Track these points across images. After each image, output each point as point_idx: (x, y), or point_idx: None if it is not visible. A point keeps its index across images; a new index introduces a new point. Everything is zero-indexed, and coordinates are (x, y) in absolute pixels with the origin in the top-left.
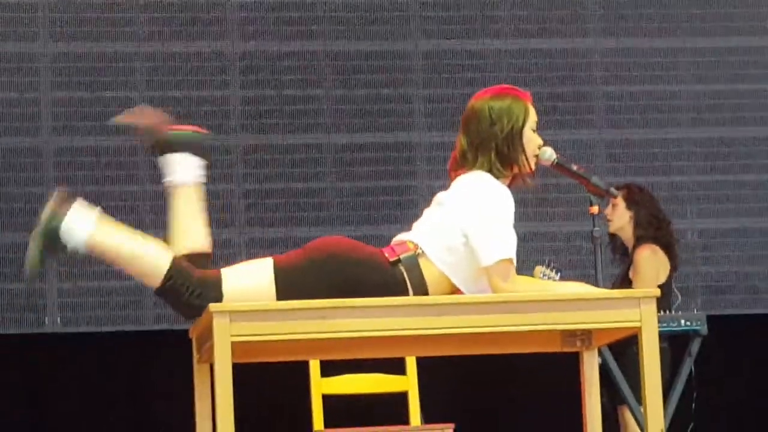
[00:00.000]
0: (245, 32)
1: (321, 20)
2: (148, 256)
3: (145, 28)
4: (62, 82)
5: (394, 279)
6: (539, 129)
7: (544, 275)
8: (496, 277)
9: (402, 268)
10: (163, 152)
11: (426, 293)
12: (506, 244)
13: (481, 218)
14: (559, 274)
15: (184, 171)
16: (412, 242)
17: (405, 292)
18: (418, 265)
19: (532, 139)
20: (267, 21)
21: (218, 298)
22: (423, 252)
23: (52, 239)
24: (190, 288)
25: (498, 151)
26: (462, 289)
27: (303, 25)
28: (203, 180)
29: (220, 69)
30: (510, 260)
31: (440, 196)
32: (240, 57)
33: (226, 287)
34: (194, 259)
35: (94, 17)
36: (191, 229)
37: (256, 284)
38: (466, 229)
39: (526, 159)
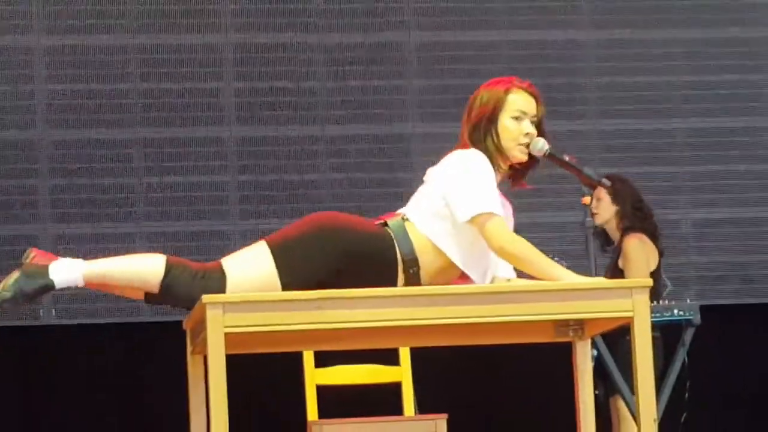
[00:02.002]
0: (238, 24)
1: (314, 12)
2: (143, 259)
3: (139, 21)
4: (56, 74)
5: (383, 240)
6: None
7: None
8: (488, 234)
9: (390, 231)
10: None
11: (413, 254)
12: (480, 199)
13: (452, 178)
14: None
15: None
16: (400, 212)
17: (393, 252)
18: (403, 227)
19: (507, 128)
20: (260, 13)
21: (222, 291)
22: (408, 219)
23: (37, 283)
24: (192, 274)
25: (472, 139)
26: (446, 252)
27: (296, 17)
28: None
29: (214, 61)
30: (489, 214)
31: (428, 172)
32: (233, 49)
33: (230, 280)
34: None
35: (88, 10)
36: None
37: (259, 271)
38: (443, 194)
39: (499, 147)
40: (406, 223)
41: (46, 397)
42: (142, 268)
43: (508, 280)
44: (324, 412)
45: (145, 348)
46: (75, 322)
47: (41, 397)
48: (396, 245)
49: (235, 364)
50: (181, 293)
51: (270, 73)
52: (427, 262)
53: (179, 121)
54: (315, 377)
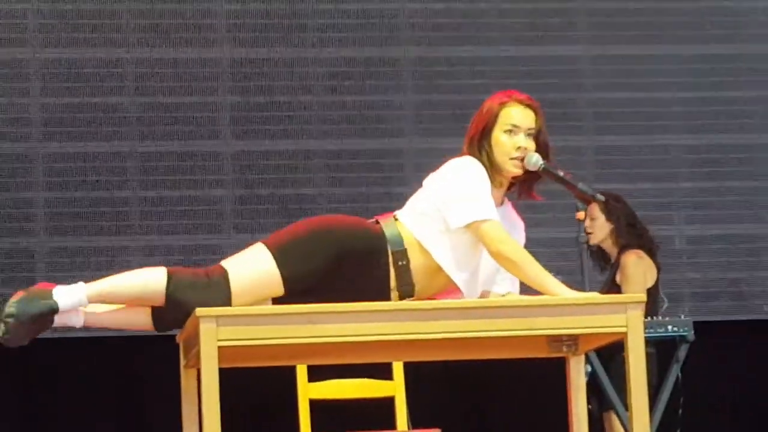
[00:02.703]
0: (234, 38)
1: (310, 27)
2: (144, 272)
3: (135, 35)
4: (52, 88)
5: (374, 233)
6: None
7: None
8: (485, 238)
9: (382, 227)
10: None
11: (402, 246)
12: (474, 206)
13: (446, 185)
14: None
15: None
16: (393, 213)
17: (383, 243)
18: (394, 224)
19: (500, 142)
20: (256, 27)
21: (227, 291)
22: (398, 219)
23: (41, 303)
24: (195, 277)
25: (470, 154)
26: (429, 250)
27: (292, 32)
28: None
29: (210, 75)
30: (482, 221)
31: (427, 178)
32: (230, 63)
33: (233, 278)
34: None
35: (84, 23)
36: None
37: (260, 266)
38: (436, 200)
39: (492, 161)
40: (397, 222)
41: (41, 410)
42: (145, 280)
43: (503, 295)
44: (317, 427)
45: (138, 362)
46: (70, 335)
47: (36, 410)
48: (385, 238)
49: (228, 377)
50: (186, 298)
51: (266, 87)
52: (415, 258)
53: (175, 134)
54: (308, 391)
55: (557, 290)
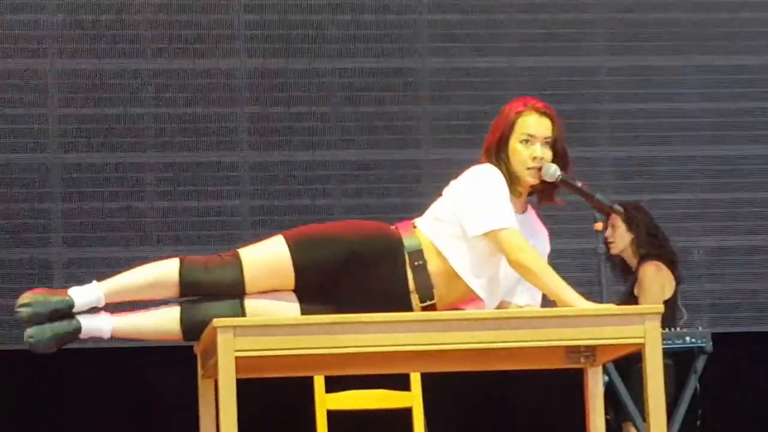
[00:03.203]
0: (252, 49)
1: (328, 38)
2: (157, 263)
3: (153, 45)
4: (69, 98)
5: (391, 234)
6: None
7: None
8: (504, 246)
9: (400, 233)
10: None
11: (418, 248)
12: (493, 214)
13: (464, 194)
14: None
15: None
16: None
17: (400, 244)
18: (412, 231)
19: (516, 152)
20: (273, 38)
21: (239, 270)
22: (417, 226)
23: (55, 299)
24: (207, 262)
25: (489, 162)
26: (445, 253)
27: (309, 43)
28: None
29: (228, 86)
30: (501, 229)
31: (445, 189)
32: (247, 74)
33: (245, 261)
34: None
35: (102, 34)
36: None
37: (272, 251)
38: (455, 209)
39: (509, 171)
40: (415, 230)
41: (59, 421)
42: (159, 269)
43: (522, 307)
44: None
45: (156, 372)
46: (85, 346)
47: (53, 422)
48: (402, 242)
49: (245, 388)
50: (199, 278)
51: (283, 98)
52: (432, 262)
53: (192, 145)
54: (326, 402)
55: (574, 301)
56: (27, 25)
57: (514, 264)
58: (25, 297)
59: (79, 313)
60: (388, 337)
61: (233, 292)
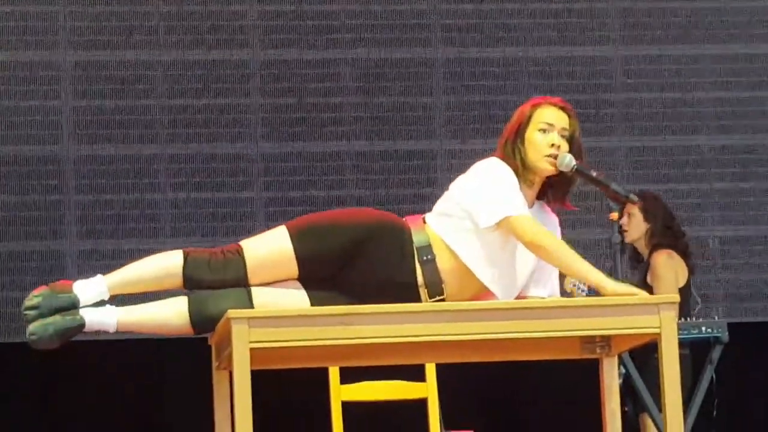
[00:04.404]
0: (266, 40)
1: (342, 28)
2: (161, 256)
3: (166, 37)
4: (83, 90)
5: (399, 226)
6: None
7: (574, 285)
8: (518, 231)
9: (409, 225)
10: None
11: (427, 243)
12: (503, 203)
13: (471, 187)
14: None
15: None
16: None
17: (408, 237)
18: (421, 227)
19: (533, 140)
20: (287, 29)
21: (243, 268)
22: (426, 221)
23: (62, 297)
24: (210, 255)
25: (503, 155)
26: (454, 248)
27: (324, 33)
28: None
29: (242, 77)
30: (509, 218)
31: (452, 183)
32: (261, 65)
33: (247, 251)
34: None
35: (115, 26)
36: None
37: (273, 241)
38: (461, 201)
39: (526, 161)
40: (425, 225)
41: (72, 414)
42: (163, 263)
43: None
44: (349, 429)
45: (170, 364)
46: (99, 338)
47: (66, 415)
48: (411, 235)
49: (260, 379)
50: (203, 277)
51: (296, 88)
52: (442, 257)
53: (205, 136)
54: (340, 393)
55: (594, 276)
56: (40, 16)
57: (531, 246)
58: (32, 299)
59: (84, 306)
60: (403, 328)
61: (237, 285)
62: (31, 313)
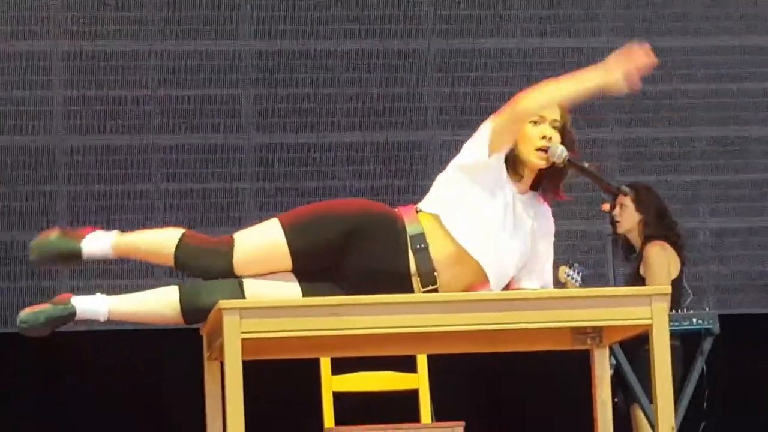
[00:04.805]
0: (258, 31)
1: (333, 19)
2: (164, 232)
3: (158, 27)
4: (74, 80)
5: (393, 217)
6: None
7: (568, 275)
8: (505, 112)
9: (402, 216)
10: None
11: (420, 231)
12: (484, 129)
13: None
14: (581, 273)
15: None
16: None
17: (401, 226)
18: (414, 215)
19: (525, 133)
20: (279, 20)
21: (229, 259)
22: (420, 210)
23: (67, 243)
24: (201, 247)
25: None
26: (450, 229)
27: (315, 24)
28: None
29: (233, 67)
30: (491, 129)
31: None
32: (252, 56)
33: (238, 244)
34: None
35: (107, 16)
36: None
37: (266, 234)
38: (447, 173)
39: (518, 153)
40: (418, 214)
41: (67, 403)
42: (161, 239)
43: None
44: (341, 419)
45: (162, 354)
46: (93, 329)
47: (60, 403)
48: (405, 225)
49: (252, 370)
50: (190, 263)
51: (289, 80)
52: (435, 245)
53: (197, 127)
54: (332, 384)
55: (588, 83)
56: (31, 6)
57: (523, 108)
58: (36, 244)
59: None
60: (395, 319)
61: (224, 276)
62: (33, 256)
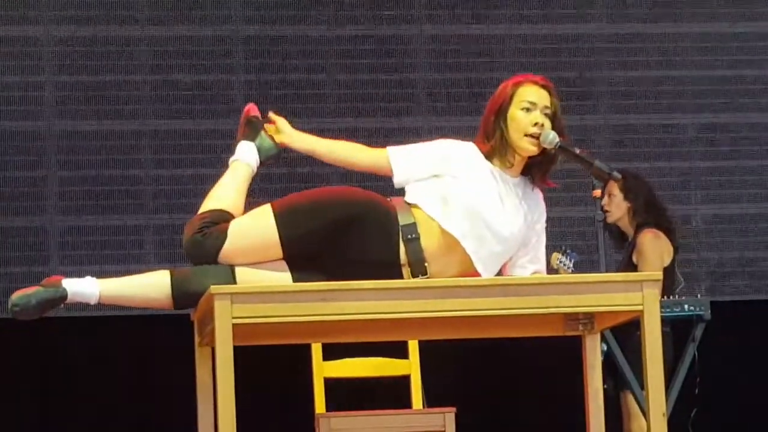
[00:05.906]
0: (249, 16)
1: (324, 4)
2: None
3: (149, 12)
4: (65, 65)
5: (385, 207)
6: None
7: (560, 262)
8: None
9: (394, 204)
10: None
11: (410, 220)
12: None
13: None
14: (573, 260)
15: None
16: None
17: (394, 216)
18: (405, 206)
19: (516, 119)
20: (270, 5)
21: (219, 243)
22: (408, 201)
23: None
24: (196, 237)
25: (485, 134)
26: (436, 217)
27: (306, 9)
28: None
29: (224, 53)
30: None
31: None
32: (243, 41)
33: (231, 234)
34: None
35: (98, 1)
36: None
37: (258, 224)
38: None
39: (508, 139)
40: (409, 204)
41: (59, 389)
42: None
43: None
44: (332, 405)
45: (152, 340)
46: (84, 314)
47: (52, 389)
48: (397, 214)
49: (243, 355)
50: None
51: (280, 65)
52: (425, 235)
53: (189, 113)
54: (323, 370)
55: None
56: None
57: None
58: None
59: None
60: (386, 304)
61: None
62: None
